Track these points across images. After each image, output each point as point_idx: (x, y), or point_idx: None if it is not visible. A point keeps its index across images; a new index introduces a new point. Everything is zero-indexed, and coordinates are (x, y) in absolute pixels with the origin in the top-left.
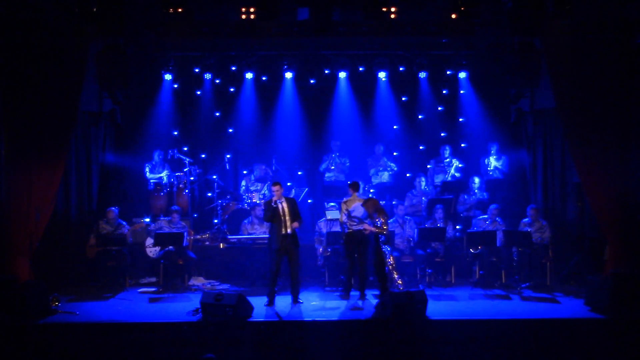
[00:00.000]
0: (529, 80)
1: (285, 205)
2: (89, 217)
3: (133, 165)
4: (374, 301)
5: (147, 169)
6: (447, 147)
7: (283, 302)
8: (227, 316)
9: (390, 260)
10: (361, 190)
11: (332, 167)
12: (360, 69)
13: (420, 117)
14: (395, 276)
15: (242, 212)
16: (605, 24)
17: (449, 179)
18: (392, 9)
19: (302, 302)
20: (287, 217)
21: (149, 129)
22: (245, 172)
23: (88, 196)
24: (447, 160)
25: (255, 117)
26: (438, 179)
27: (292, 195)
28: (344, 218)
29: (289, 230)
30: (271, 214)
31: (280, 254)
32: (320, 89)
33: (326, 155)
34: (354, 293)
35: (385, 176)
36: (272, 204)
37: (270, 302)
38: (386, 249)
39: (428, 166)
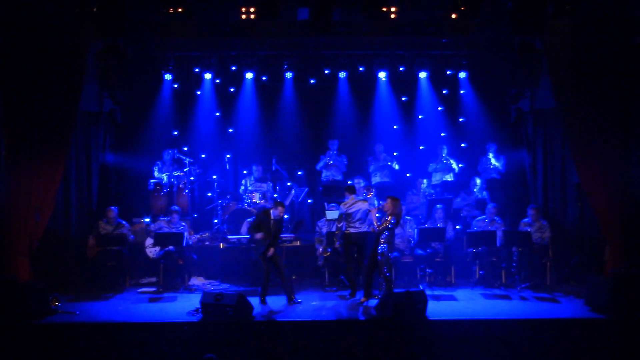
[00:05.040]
0: (529, 80)
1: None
2: (89, 217)
3: (133, 165)
4: (374, 301)
5: (155, 168)
6: (445, 147)
7: (283, 303)
8: (227, 316)
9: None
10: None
11: (330, 162)
12: (360, 69)
13: (420, 117)
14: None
15: (242, 212)
16: (605, 24)
17: (450, 178)
18: (392, 9)
19: (299, 302)
20: (276, 229)
21: (149, 129)
22: (245, 172)
23: (88, 196)
24: (445, 159)
25: (255, 117)
26: (436, 179)
27: (292, 195)
28: (342, 222)
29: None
30: (259, 228)
31: (267, 258)
32: (320, 89)
33: (323, 155)
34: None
35: (385, 175)
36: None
37: (263, 301)
38: (383, 249)
39: (431, 164)
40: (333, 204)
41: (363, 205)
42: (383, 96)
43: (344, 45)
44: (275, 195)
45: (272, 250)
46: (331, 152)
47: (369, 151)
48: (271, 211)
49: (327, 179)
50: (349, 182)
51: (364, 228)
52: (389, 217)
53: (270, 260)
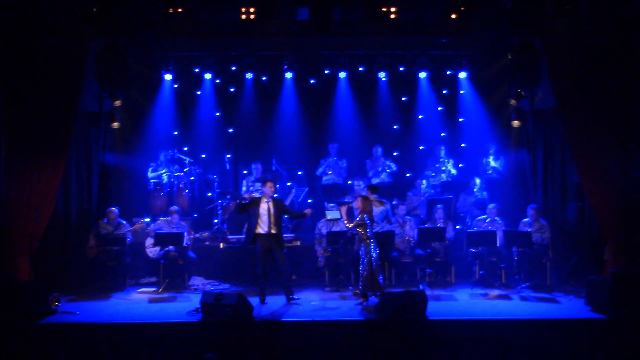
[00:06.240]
0: (529, 80)
1: (271, 205)
2: (89, 217)
3: (133, 165)
4: (374, 301)
5: (150, 169)
6: (442, 147)
7: (283, 302)
8: (227, 316)
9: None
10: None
11: (329, 172)
12: (360, 69)
13: (420, 117)
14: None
15: None
16: (605, 24)
17: (447, 179)
18: (392, 9)
19: (296, 303)
20: (273, 218)
21: (149, 129)
22: (245, 172)
23: (88, 196)
24: (443, 160)
25: (255, 117)
26: (436, 179)
27: (292, 195)
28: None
29: (272, 230)
30: (243, 207)
31: (264, 254)
32: (320, 89)
33: (324, 159)
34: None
35: (384, 176)
36: (244, 200)
37: (262, 301)
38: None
39: (426, 172)
40: (333, 204)
41: (381, 206)
42: (383, 96)
43: (344, 45)
44: (275, 195)
45: (309, 210)
46: (331, 159)
47: (368, 152)
48: (264, 196)
49: (327, 183)
50: (348, 183)
51: (380, 228)
52: (361, 215)
53: (271, 252)
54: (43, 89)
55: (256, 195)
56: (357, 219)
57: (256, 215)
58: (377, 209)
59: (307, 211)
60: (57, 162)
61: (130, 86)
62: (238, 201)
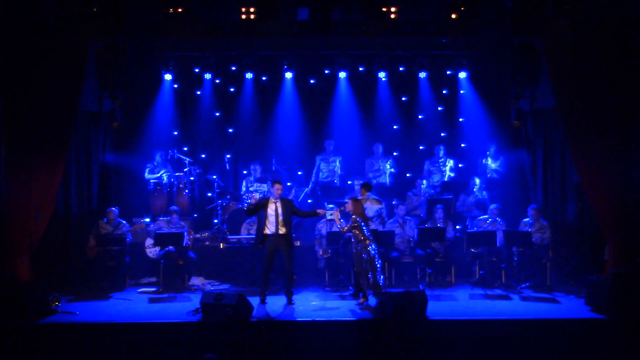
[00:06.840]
0: (529, 80)
1: (279, 205)
2: (89, 217)
3: (133, 165)
4: (374, 301)
5: (147, 170)
6: (442, 147)
7: (283, 303)
8: (227, 316)
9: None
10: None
11: (324, 173)
12: (360, 69)
13: (420, 117)
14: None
15: (242, 212)
16: (605, 24)
17: (446, 179)
18: (392, 9)
19: (294, 303)
20: (280, 218)
21: (149, 129)
22: (245, 172)
23: (88, 196)
24: (442, 160)
25: (255, 117)
26: (434, 179)
27: (292, 195)
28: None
29: (280, 231)
30: (252, 210)
31: (270, 254)
32: (320, 89)
33: (319, 156)
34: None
35: (384, 177)
36: (256, 200)
37: (262, 301)
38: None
39: (426, 162)
40: (333, 205)
41: (375, 204)
42: (383, 96)
43: (344, 45)
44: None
45: (322, 211)
46: (329, 155)
47: (368, 152)
48: (271, 197)
49: (323, 182)
50: (348, 183)
51: (374, 226)
52: (354, 217)
53: (278, 253)
54: (43, 88)
55: (257, 195)
56: (349, 221)
57: (264, 216)
58: (372, 208)
59: (321, 211)
60: (57, 162)
61: (130, 86)
62: (246, 205)
